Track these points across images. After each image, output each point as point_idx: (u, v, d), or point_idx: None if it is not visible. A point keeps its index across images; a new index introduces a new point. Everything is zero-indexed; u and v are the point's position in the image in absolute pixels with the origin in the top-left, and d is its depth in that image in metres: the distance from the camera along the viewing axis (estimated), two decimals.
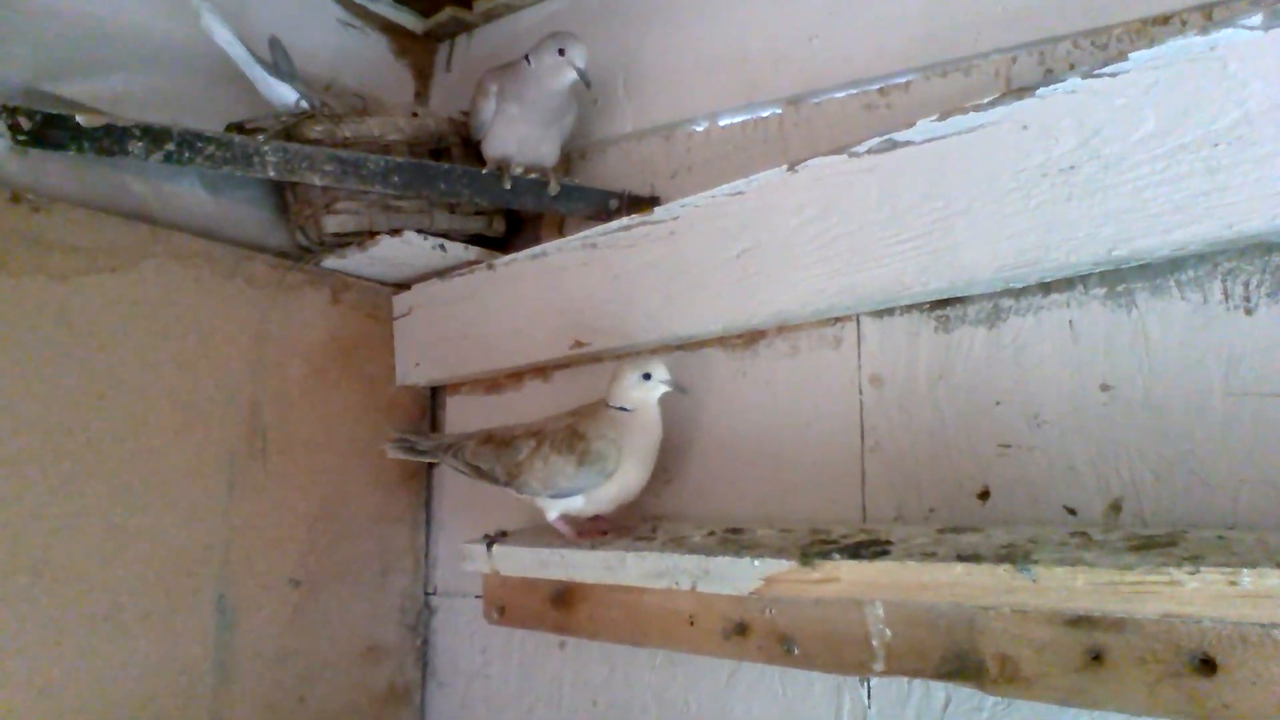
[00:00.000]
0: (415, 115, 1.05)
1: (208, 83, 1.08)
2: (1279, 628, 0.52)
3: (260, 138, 0.96)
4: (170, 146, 0.94)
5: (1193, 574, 0.53)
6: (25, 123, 0.91)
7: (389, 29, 1.31)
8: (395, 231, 1.05)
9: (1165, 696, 0.55)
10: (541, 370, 1.15)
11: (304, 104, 1.01)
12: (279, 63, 1.01)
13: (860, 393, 0.84)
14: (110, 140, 0.93)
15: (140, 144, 0.93)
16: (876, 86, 0.88)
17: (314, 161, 0.96)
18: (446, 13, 1.28)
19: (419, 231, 1.07)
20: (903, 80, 0.86)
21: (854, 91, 0.90)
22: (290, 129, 1.00)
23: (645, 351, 1.01)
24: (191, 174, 1.07)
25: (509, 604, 0.99)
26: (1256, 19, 0.58)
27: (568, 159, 1.17)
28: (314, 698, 1.13)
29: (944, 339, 0.79)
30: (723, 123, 1.01)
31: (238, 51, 0.95)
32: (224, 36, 0.94)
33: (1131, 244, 0.63)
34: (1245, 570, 0.51)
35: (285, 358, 1.13)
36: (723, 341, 0.95)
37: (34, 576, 0.90)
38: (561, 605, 0.93)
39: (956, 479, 0.76)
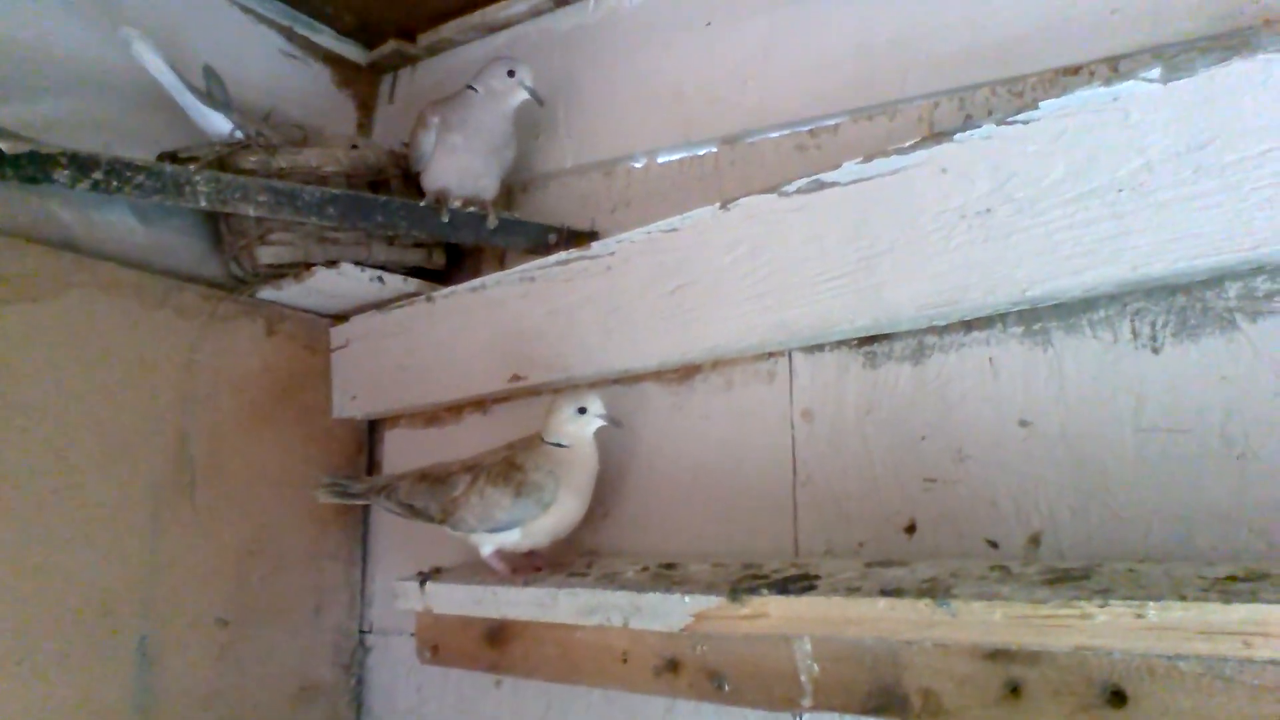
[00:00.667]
0: (355, 147, 1.05)
1: (140, 110, 1.06)
2: (1184, 659, 0.53)
3: (192, 167, 0.95)
4: (98, 175, 0.92)
5: (1102, 607, 0.54)
6: None
7: (331, 60, 1.31)
8: (332, 263, 1.04)
9: None
10: (480, 404, 1.14)
11: (239, 134, 1.00)
12: (213, 91, 1.00)
13: (792, 427, 0.85)
14: (34, 168, 0.91)
15: (66, 172, 0.91)
16: (808, 128, 0.90)
17: (248, 192, 0.95)
18: (390, 45, 1.28)
19: (356, 263, 1.06)
20: (832, 123, 0.89)
21: (786, 132, 0.92)
22: (224, 159, 0.98)
23: (583, 385, 1.00)
24: (122, 203, 1.05)
25: (442, 643, 0.97)
26: (1155, 72, 0.61)
27: (509, 192, 1.18)
28: None
29: (871, 375, 0.80)
30: (661, 159, 1.03)
31: (169, 80, 0.94)
32: (155, 65, 0.93)
33: (1044, 285, 0.65)
34: (1151, 603, 0.52)
35: (216, 389, 1.11)
36: (659, 376, 0.96)
37: None
38: (495, 644, 0.92)
39: (884, 513, 0.77)
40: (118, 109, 1.07)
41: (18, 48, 1.01)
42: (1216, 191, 0.58)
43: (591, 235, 1.00)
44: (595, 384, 0.99)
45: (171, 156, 1.02)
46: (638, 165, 1.05)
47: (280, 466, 1.17)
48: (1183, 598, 0.52)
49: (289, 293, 1.12)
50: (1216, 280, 0.63)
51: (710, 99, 0.98)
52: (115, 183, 0.93)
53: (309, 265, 1.04)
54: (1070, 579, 0.60)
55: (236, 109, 1.03)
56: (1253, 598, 0.50)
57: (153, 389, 1.04)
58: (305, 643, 1.18)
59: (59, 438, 0.96)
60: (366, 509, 1.26)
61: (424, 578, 0.97)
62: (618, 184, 1.07)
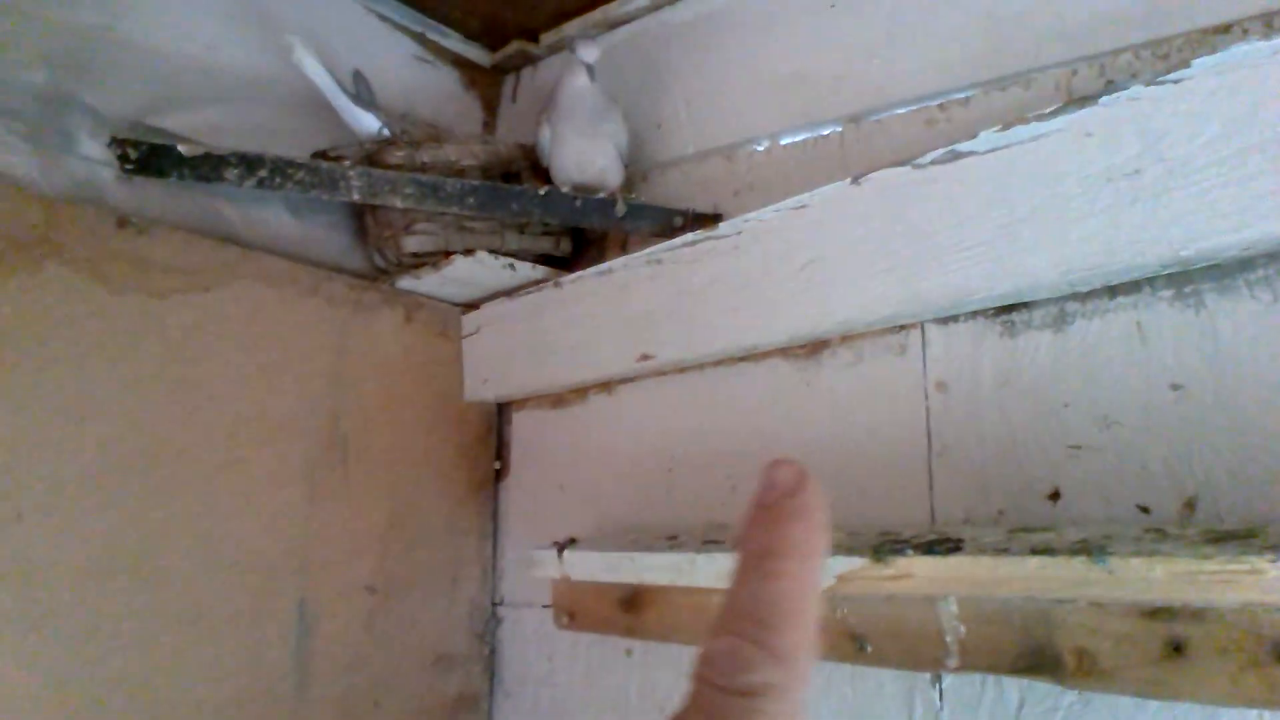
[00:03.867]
0: (487, 142, 1.11)
1: (293, 114, 1.15)
2: None
3: (346, 163, 1.02)
4: (263, 173, 1.01)
5: (1274, 562, 0.53)
6: (132, 153, 0.99)
7: (459, 63, 1.38)
8: (469, 251, 1.10)
9: (1247, 686, 0.56)
10: (606, 385, 1.18)
11: (385, 132, 1.07)
12: (361, 93, 1.08)
13: (926, 398, 0.86)
14: (208, 168, 1.00)
15: (236, 170, 1.00)
16: (937, 102, 0.91)
17: (395, 185, 1.01)
18: (514, 46, 1.34)
19: (491, 251, 1.12)
20: (962, 96, 0.89)
21: (914, 108, 0.92)
22: (372, 155, 1.06)
23: (708, 364, 1.04)
24: (277, 199, 1.14)
25: (578, 609, 1.02)
26: None
27: (632, 181, 1.22)
28: (387, 703, 1.16)
29: (1010, 343, 0.80)
30: (784, 141, 1.05)
31: (326, 83, 1.02)
32: (314, 69, 1.01)
33: (1199, 244, 0.64)
34: None
35: (362, 373, 1.19)
36: (786, 352, 0.98)
37: (130, 579, 0.95)
38: (630, 609, 0.95)
39: (1026, 481, 0.77)
40: (273, 113, 1.16)
41: (186, 60, 1.11)
42: None
43: (716, 218, 1.03)
44: (721, 361, 1.02)
45: (324, 155, 1.10)
46: (760, 149, 1.08)
47: (418, 446, 1.25)
48: None
49: (426, 282, 1.19)
50: None
51: (834, 78, 0.99)
52: (278, 179, 1.01)
53: (448, 253, 1.11)
54: (1234, 538, 0.59)
55: (382, 109, 1.10)
56: None
57: (308, 372, 1.12)
58: (442, 613, 1.25)
59: (227, 418, 1.05)
60: (498, 488, 1.33)
61: (561, 546, 1.01)
62: (740, 168, 1.10)
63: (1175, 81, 0.65)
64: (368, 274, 1.23)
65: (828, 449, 0.93)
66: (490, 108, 1.42)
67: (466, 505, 1.29)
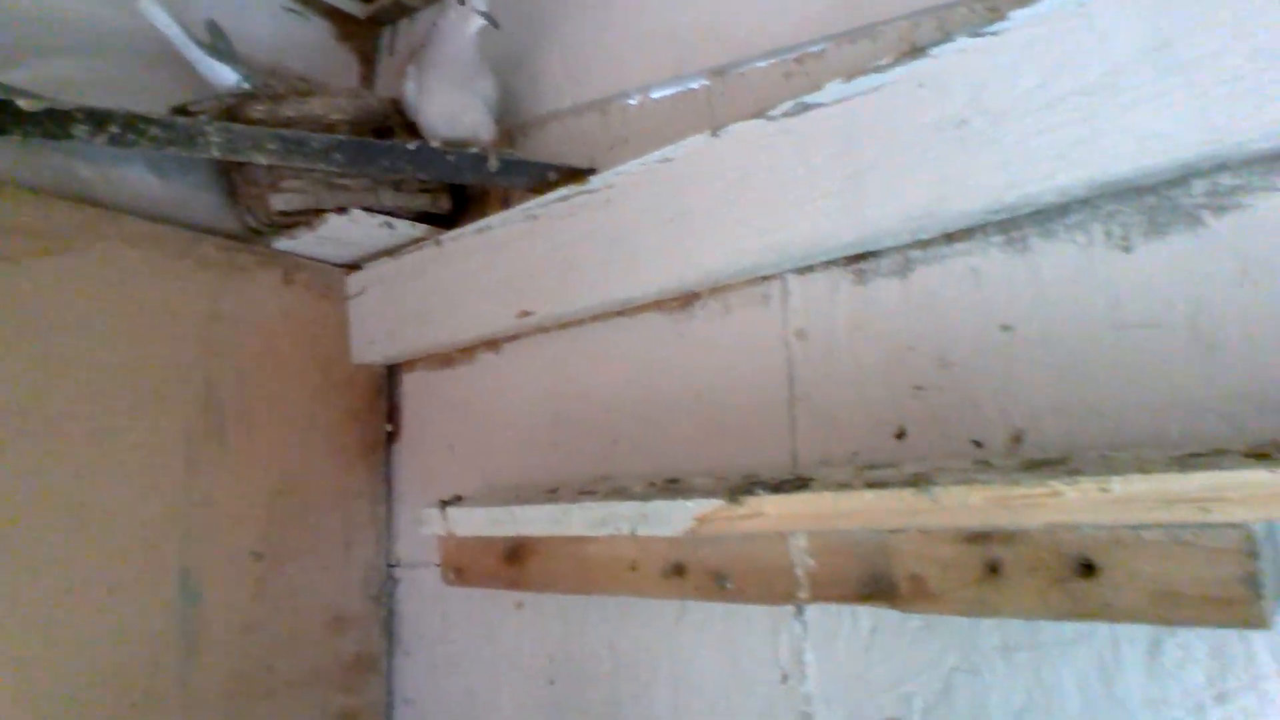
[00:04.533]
0: (357, 96, 1.08)
1: (149, 67, 1.10)
2: (1147, 528, 0.57)
3: (203, 118, 0.98)
4: (114, 129, 0.96)
5: (1070, 484, 0.58)
6: None
7: (331, 14, 1.33)
8: (342, 210, 1.08)
9: (1054, 600, 0.61)
10: (493, 343, 1.18)
11: (245, 85, 1.03)
12: (218, 45, 1.04)
13: (788, 347, 0.89)
14: (53, 124, 0.95)
15: (84, 127, 0.95)
16: (794, 55, 0.92)
17: (257, 140, 0.98)
18: None
19: (365, 209, 1.10)
20: (817, 49, 0.91)
21: (774, 60, 0.94)
22: (233, 109, 1.02)
23: (588, 319, 1.05)
24: (138, 158, 1.09)
25: (465, 565, 1.03)
26: None
27: (509, 135, 1.21)
28: (282, 667, 1.16)
29: (861, 291, 0.84)
30: (655, 95, 1.05)
31: (175, 34, 0.97)
32: (161, 20, 0.96)
33: (1018, 190, 0.68)
34: (1115, 477, 0.56)
35: (239, 338, 1.16)
36: (660, 305, 0.99)
37: (2, 553, 0.92)
38: (514, 561, 0.97)
39: (875, 421, 0.81)
40: (127, 67, 1.10)
41: (26, 10, 1.05)
42: (1177, 89, 0.61)
43: (590, 172, 1.03)
44: (600, 316, 1.04)
45: (182, 110, 1.05)
46: (632, 102, 1.08)
47: (304, 411, 1.23)
48: (1144, 471, 0.56)
49: (303, 242, 1.16)
50: (1183, 179, 0.66)
51: (700, 32, 1.00)
52: (131, 136, 0.96)
53: (320, 212, 1.08)
54: (1045, 465, 0.64)
55: (242, 62, 1.06)
56: (1209, 466, 0.54)
57: (179, 337, 1.09)
58: (336, 576, 1.25)
59: (95, 385, 1.02)
60: (390, 450, 1.32)
61: (445, 504, 1.02)
62: (614, 122, 1.10)
63: (995, 33, 0.68)
64: (242, 235, 1.19)
65: (701, 398, 0.96)
66: (368, 60, 1.38)
67: (357, 468, 1.28)
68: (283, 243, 1.17)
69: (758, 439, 0.90)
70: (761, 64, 0.95)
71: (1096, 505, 0.57)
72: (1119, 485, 0.56)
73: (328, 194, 1.07)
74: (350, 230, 1.12)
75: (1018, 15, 0.66)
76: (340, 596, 1.25)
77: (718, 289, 0.94)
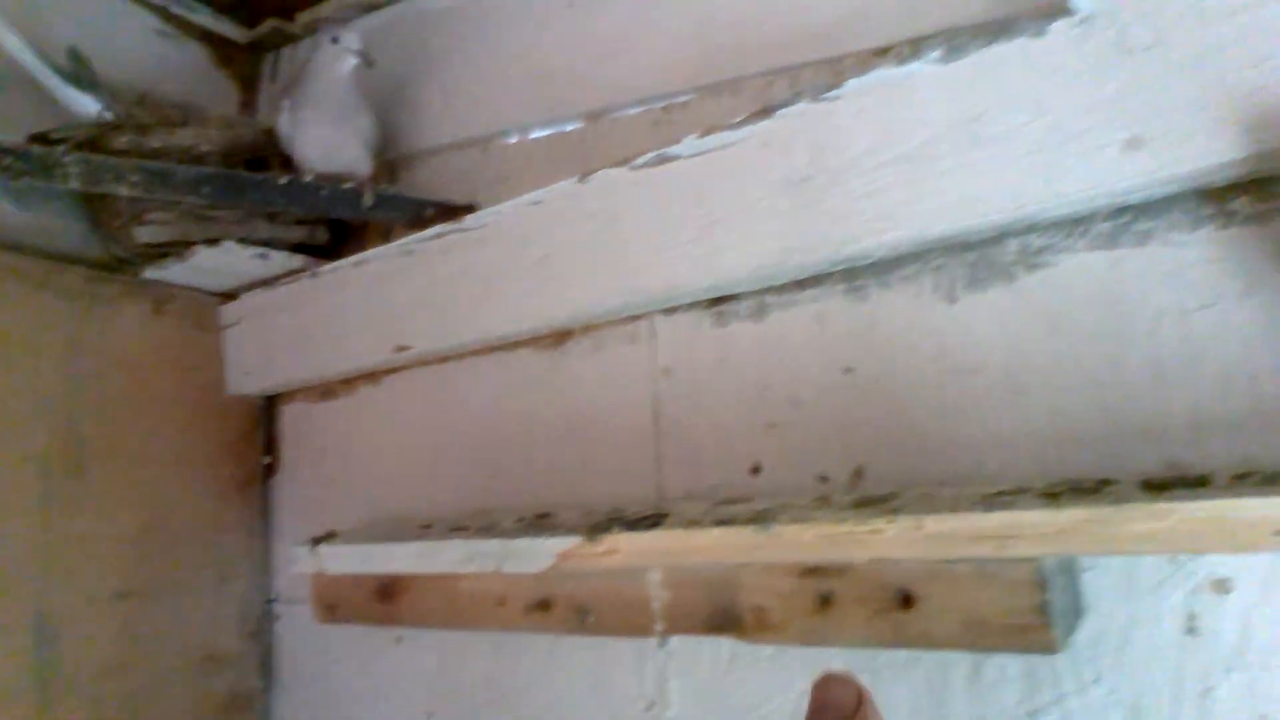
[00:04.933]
0: (229, 125, 1.07)
1: (8, 92, 1.06)
2: (957, 562, 0.62)
3: (62, 148, 0.95)
4: None
5: (890, 522, 0.62)
6: None
7: (209, 39, 1.31)
8: (213, 241, 1.06)
9: (878, 629, 0.65)
10: (372, 376, 1.18)
11: (107, 114, 1.00)
12: (79, 73, 1.01)
13: (655, 384, 0.92)
14: None
15: None
16: (662, 104, 0.96)
17: (120, 172, 0.96)
18: (269, 24, 1.29)
19: (240, 241, 1.09)
20: (683, 99, 0.95)
21: (644, 109, 0.98)
22: (95, 139, 0.99)
23: (466, 354, 1.06)
24: None
25: (337, 602, 1.02)
26: (937, 53, 0.69)
27: (392, 168, 1.21)
28: (149, 710, 1.12)
29: (721, 332, 0.88)
30: (533, 135, 1.08)
31: (30, 61, 0.94)
32: (16, 46, 0.93)
33: (854, 245, 0.73)
34: (928, 516, 0.61)
35: (103, 370, 1.12)
36: (535, 342, 1.01)
37: None
38: (386, 598, 0.97)
39: (734, 457, 0.85)
40: None
41: None
42: (988, 159, 0.67)
43: (467, 209, 1.04)
44: (478, 351, 1.05)
45: (42, 138, 1.02)
46: (511, 141, 1.10)
47: (175, 444, 1.19)
48: (954, 510, 0.61)
49: (174, 272, 1.13)
50: (998, 238, 0.72)
51: (574, 77, 1.03)
52: None
53: (190, 243, 1.06)
54: (874, 503, 0.69)
55: (107, 90, 1.03)
56: (1007, 506, 0.59)
57: (36, 371, 1.05)
58: (210, 613, 1.21)
59: None
60: (269, 483, 1.29)
61: (317, 541, 1.01)
62: (494, 159, 1.12)
63: (833, 99, 0.73)
64: (110, 264, 1.15)
65: (574, 433, 0.98)
66: (249, 87, 1.36)
67: (233, 502, 1.25)
68: (152, 272, 1.13)
69: (626, 473, 0.93)
70: (632, 111, 0.99)
71: (913, 541, 0.62)
72: (932, 523, 0.61)
73: (197, 226, 1.05)
74: (223, 260, 1.10)
75: (850, 84, 0.72)
76: (213, 634, 1.21)
77: (589, 327, 0.97)
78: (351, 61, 1.02)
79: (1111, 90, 0.62)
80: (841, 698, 0.31)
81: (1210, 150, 0.58)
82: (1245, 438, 0.62)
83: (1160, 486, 0.61)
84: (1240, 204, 0.63)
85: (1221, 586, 0.62)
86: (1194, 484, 0.60)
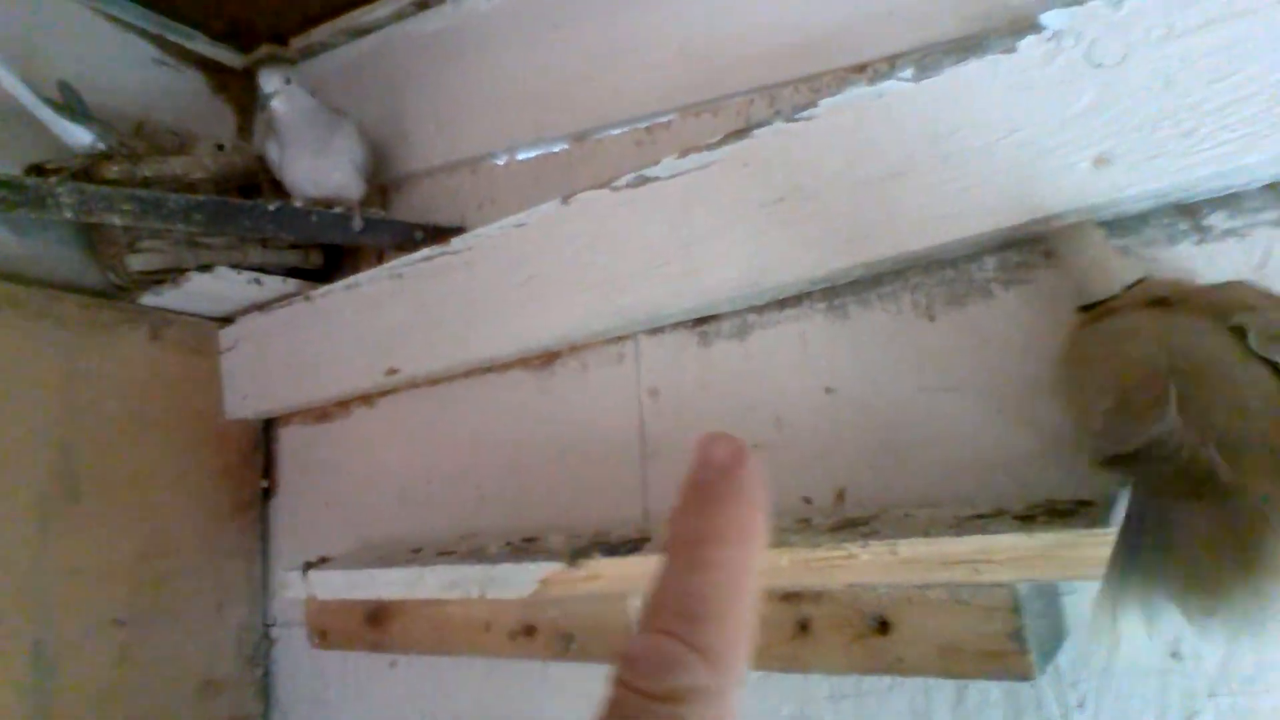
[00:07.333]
0: (220, 148, 1.08)
1: (3, 123, 1.08)
2: (930, 587, 0.61)
3: (54, 180, 0.97)
4: None
5: (864, 547, 0.61)
6: None
7: (205, 65, 1.33)
8: (206, 267, 1.07)
9: (856, 655, 0.64)
10: (366, 398, 1.18)
11: (100, 145, 1.02)
12: (72, 104, 1.02)
13: (641, 404, 0.91)
14: None
15: None
16: (645, 125, 0.96)
17: (112, 202, 0.97)
18: (263, 50, 1.30)
19: (233, 266, 1.10)
20: (665, 119, 0.95)
21: (627, 129, 0.98)
22: (88, 169, 1.01)
23: (456, 376, 1.06)
24: None
25: (329, 628, 1.02)
26: (909, 71, 0.68)
27: (384, 191, 1.22)
28: None
29: (705, 352, 0.87)
30: (520, 156, 1.08)
31: (22, 94, 0.96)
32: (7, 80, 0.95)
33: (830, 264, 0.73)
34: (901, 541, 0.60)
35: (100, 397, 1.13)
36: (525, 362, 1.01)
37: None
38: (376, 624, 0.97)
39: None
40: None
41: None
42: (961, 176, 0.66)
43: (456, 231, 1.04)
44: (467, 373, 1.05)
45: (38, 169, 1.04)
46: (500, 162, 1.11)
47: (174, 469, 1.20)
48: (927, 534, 0.60)
49: (169, 298, 1.14)
50: (976, 255, 0.71)
51: (560, 98, 1.03)
52: None
53: (183, 270, 1.07)
54: (851, 526, 0.68)
55: (101, 120, 1.05)
56: (981, 531, 0.58)
57: (33, 400, 1.06)
58: (208, 639, 1.22)
59: None
60: (267, 507, 1.30)
61: (308, 566, 1.01)
62: (483, 181, 1.12)
63: (807, 119, 0.72)
64: (107, 292, 1.17)
65: (562, 454, 0.98)
66: (246, 112, 1.37)
67: (231, 527, 1.26)
68: (149, 299, 1.15)
69: (613, 495, 0.92)
70: (616, 131, 0.99)
71: (887, 567, 0.61)
72: (905, 548, 0.60)
73: (189, 253, 1.06)
74: (217, 286, 1.11)
75: (824, 103, 0.71)
76: (211, 660, 1.21)
77: (577, 348, 0.97)
78: (282, 98, 1.02)
79: (1081, 106, 0.61)
80: (723, 453, 0.30)
81: (1179, 166, 0.57)
82: None
83: None
84: (1217, 219, 0.62)
85: None
86: None
